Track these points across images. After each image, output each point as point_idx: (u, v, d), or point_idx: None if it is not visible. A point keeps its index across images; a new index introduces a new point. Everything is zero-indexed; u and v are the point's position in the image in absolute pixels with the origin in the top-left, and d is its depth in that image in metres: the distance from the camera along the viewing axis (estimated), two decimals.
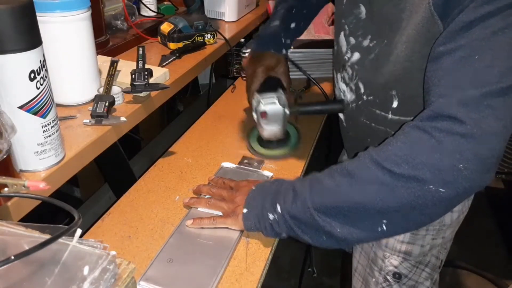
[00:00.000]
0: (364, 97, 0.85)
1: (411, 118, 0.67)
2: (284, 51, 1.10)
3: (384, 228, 0.65)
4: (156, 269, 0.73)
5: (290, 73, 1.11)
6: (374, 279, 0.96)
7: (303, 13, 1.12)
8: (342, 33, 0.87)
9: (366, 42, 0.80)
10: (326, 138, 1.35)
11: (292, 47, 1.16)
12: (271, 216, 0.74)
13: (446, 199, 0.60)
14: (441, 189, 0.59)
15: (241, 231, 0.80)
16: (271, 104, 0.99)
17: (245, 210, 0.77)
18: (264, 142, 1.07)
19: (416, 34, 0.69)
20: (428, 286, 0.96)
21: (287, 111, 1.01)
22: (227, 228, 0.80)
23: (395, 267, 0.92)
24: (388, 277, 0.94)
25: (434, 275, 0.96)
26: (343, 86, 0.91)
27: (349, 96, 0.90)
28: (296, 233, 0.72)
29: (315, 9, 1.17)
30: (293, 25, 1.10)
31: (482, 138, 0.57)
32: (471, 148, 0.57)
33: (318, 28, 1.57)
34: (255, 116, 1.02)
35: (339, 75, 0.92)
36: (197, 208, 0.86)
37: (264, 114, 0.99)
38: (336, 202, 0.67)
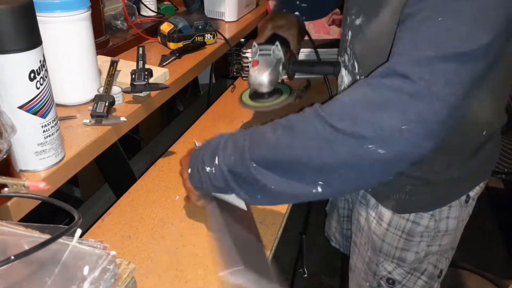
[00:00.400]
0: (358, 76, 0.83)
1: None
2: (297, 13, 1.07)
3: (319, 189, 0.63)
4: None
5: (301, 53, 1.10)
6: (368, 283, 0.95)
7: None
8: (345, 14, 0.86)
9: (358, 21, 0.79)
10: None
11: (311, 18, 1.13)
12: (207, 169, 0.72)
13: (383, 161, 0.57)
14: (379, 150, 0.56)
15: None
16: (265, 56, 0.99)
17: (189, 170, 0.76)
18: (254, 97, 1.05)
19: (400, 6, 0.66)
20: None
21: (280, 67, 1.00)
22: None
23: (389, 272, 0.91)
24: (382, 282, 0.93)
25: (432, 284, 0.94)
26: (342, 70, 0.90)
27: (346, 79, 0.89)
28: (232, 187, 0.70)
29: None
30: None
31: (430, 101, 0.55)
32: (417, 110, 0.55)
33: (318, 28, 1.57)
34: (249, 66, 1.01)
35: (340, 59, 0.92)
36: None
37: (255, 63, 0.99)
38: (275, 154, 0.64)
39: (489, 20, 0.55)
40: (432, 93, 0.55)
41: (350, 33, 0.83)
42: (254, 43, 1.02)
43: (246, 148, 0.67)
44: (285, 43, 1.04)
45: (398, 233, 0.87)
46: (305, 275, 1.62)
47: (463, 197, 0.86)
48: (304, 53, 1.42)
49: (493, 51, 0.56)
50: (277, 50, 0.99)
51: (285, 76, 1.05)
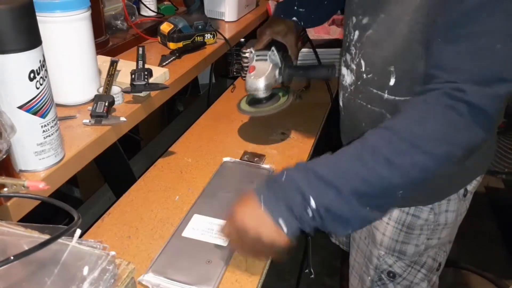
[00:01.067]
0: (364, 75, 0.83)
1: (404, 99, 0.69)
2: (295, 19, 1.09)
3: (399, 196, 0.66)
4: (162, 262, 0.74)
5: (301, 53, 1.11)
6: (369, 277, 0.97)
7: None
8: (349, 14, 0.87)
9: (365, 20, 0.80)
10: (326, 137, 1.35)
11: (310, 23, 1.14)
12: (309, 212, 0.64)
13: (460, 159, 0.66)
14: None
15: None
16: (261, 61, 1.00)
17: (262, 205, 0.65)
18: (252, 103, 1.07)
19: (419, 5, 0.68)
20: (425, 287, 0.95)
21: (276, 72, 1.01)
22: None
23: (390, 266, 0.93)
24: (383, 276, 0.94)
25: (431, 277, 0.96)
26: (343, 70, 0.90)
27: (348, 79, 0.89)
28: (326, 226, 0.65)
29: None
30: None
31: (484, 118, 0.62)
32: (480, 125, 0.62)
33: (318, 28, 1.57)
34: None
35: (341, 60, 0.92)
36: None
37: (252, 68, 1.00)
38: (377, 189, 0.64)
39: None
40: (485, 114, 0.62)
41: (357, 32, 0.83)
42: (252, 49, 1.03)
43: (342, 186, 0.63)
44: (283, 49, 1.05)
45: (398, 227, 0.89)
46: (312, 276, 1.62)
47: (461, 191, 0.88)
48: (303, 53, 1.42)
49: None
50: (273, 55, 1.01)
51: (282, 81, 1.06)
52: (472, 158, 0.83)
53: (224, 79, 1.96)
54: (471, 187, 0.90)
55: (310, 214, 0.63)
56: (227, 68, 1.72)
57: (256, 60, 1.00)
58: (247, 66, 1.22)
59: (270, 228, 0.64)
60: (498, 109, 0.63)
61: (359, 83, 0.86)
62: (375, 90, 0.82)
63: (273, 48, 1.01)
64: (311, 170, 0.65)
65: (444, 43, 0.65)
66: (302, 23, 1.11)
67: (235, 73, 1.62)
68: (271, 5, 1.68)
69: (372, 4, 0.79)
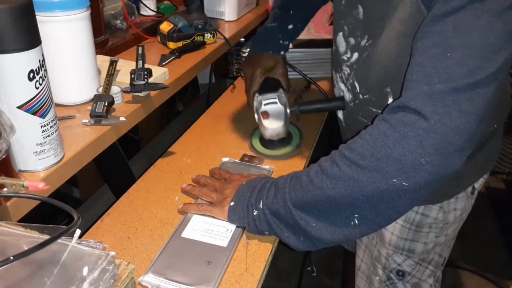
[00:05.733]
0: (360, 96, 0.85)
1: None
2: (282, 52, 1.10)
3: (356, 222, 0.66)
4: (162, 263, 0.73)
5: (289, 73, 1.11)
6: (378, 277, 0.97)
7: (301, 15, 1.13)
8: (341, 34, 0.87)
9: (363, 42, 0.81)
10: (327, 137, 1.35)
11: (289, 48, 1.17)
12: (255, 213, 0.76)
13: (410, 191, 0.61)
14: (404, 183, 0.60)
15: (243, 229, 0.81)
16: (272, 104, 1.00)
17: (232, 203, 0.79)
18: (266, 142, 1.06)
19: (406, 29, 0.70)
20: (431, 283, 0.96)
21: (288, 110, 1.01)
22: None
23: (399, 264, 0.93)
24: (392, 275, 0.94)
25: (437, 272, 0.97)
26: (342, 85, 0.92)
27: (347, 95, 0.91)
28: (275, 231, 0.74)
29: (313, 11, 1.17)
30: (290, 26, 1.11)
31: (445, 133, 0.57)
32: (433, 144, 0.58)
33: (319, 27, 1.56)
34: (256, 117, 1.02)
35: (337, 75, 0.93)
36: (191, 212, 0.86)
37: (265, 114, 1.00)
38: (310, 197, 0.68)
39: (497, 47, 0.58)
40: (446, 125, 0.57)
41: (357, 54, 0.84)
42: (256, 94, 1.03)
43: (286, 191, 0.72)
44: (277, 84, 1.06)
45: (407, 226, 0.90)
46: (314, 274, 1.62)
47: (469, 189, 0.90)
48: (302, 52, 1.42)
49: (504, 70, 0.59)
50: (281, 97, 1.02)
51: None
52: (482, 156, 0.85)
53: (224, 79, 1.96)
54: (478, 184, 0.91)
55: (255, 213, 0.75)
56: (227, 68, 1.72)
57: (266, 105, 1.00)
58: (240, 66, 1.22)
59: (226, 199, 0.80)
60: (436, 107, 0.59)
61: (357, 102, 0.87)
62: (374, 109, 0.83)
63: (280, 90, 1.02)
64: (276, 180, 0.77)
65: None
66: (288, 51, 1.14)
67: (235, 73, 1.62)
68: (271, 4, 1.68)
69: (368, 28, 0.80)
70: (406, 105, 0.60)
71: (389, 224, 0.83)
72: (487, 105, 0.59)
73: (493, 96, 0.59)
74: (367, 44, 0.80)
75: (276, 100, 1.00)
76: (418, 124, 0.59)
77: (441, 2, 0.61)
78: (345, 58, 0.87)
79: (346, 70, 0.87)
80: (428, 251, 0.92)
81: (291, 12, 1.11)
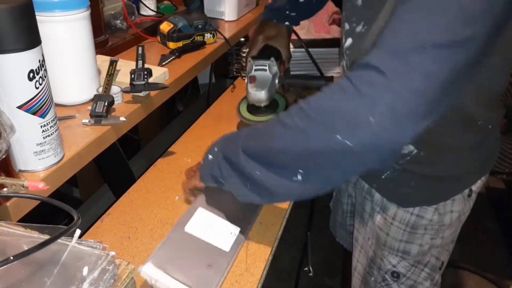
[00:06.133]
0: None
1: None
2: (287, 23, 1.10)
3: (300, 177, 0.63)
4: (163, 255, 0.74)
5: (292, 71, 1.12)
6: (373, 278, 0.96)
7: None
8: (344, 19, 0.87)
9: (359, 28, 0.80)
10: None
11: (299, 23, 1.16)
12: (210, 157, 0.76)
13: (353, 153, 0.57)
14: (347, 141, 0.56)
15: (246, 235, 0.80)
16: (261, 71, 1.02)
17: (202, 162, 0.80)
18: (251, 109, 1.09)
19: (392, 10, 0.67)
20: (428, 286, 0.95)
21: (276, 81, 1.04)
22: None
23: (394, 266, 0.92)
24: (387, 276, 0.94)
25: (434, 276, 0.96)
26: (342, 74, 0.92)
27: None
28: (224, 174, 0.73)
29: None
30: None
31: (402, 93, 0.53)
32: (386, 102, 0.54)
33: (319, 27, 1.57)
34: (246, 80, 1.05)
35: (341, 64, 0.93)
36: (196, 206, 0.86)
37: (252, 79, 1.03)
38: (260, 144, 0.68)
39: (471, 14, 0.53)
40: (404, 85, 0.53)
41: (350, 40, 0.83)
42: (249, 59, 1.04)
43: (241, 137, 0.72)
44: (277, 53, 1.06)
45: (402, 227, 0.89)
46: (310, 274, 1.62)
47: (466, 191, 0.88)
48: (301, 52, 1.42)
49: (476, 46, 0.54)
50: (272, 65, 1.04)
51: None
52: (478, 158, 0.84)
53: (224, 79, 1.95)
54: (476, 187, 0.89)
55: (210, 157, 0.76)
56: (227, 68, 1.72)
57: (256, 70, 1.03)
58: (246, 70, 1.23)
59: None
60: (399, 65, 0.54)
61: None
62: None
63: (272, 58, 1.04)
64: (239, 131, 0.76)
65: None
66: (293, 26, 1.12)
67: (235, 73, 1.62)
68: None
69: (363, 13, 0.79)
70: (368, 63, 0.56)
71: (334, 187, 0.80)
72: (456, 74, 0.54)
73: (464, 66, 0.54)
74: (363, 31, 0.79)
75: (266, 67, 1.02)
76: (376, 80, 0.54)
77: None
78: (343, 45, 0.86)
79: (346, 57, 0.87)
80: (424, 253, 0.91)
81: None
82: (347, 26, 0.84)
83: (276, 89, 1.06)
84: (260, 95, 1.03)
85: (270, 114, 1.09)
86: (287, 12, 1.09)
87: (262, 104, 1.06)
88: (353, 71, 0.59)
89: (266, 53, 1.06)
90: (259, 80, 1.02)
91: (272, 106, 1.09)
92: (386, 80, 0.54)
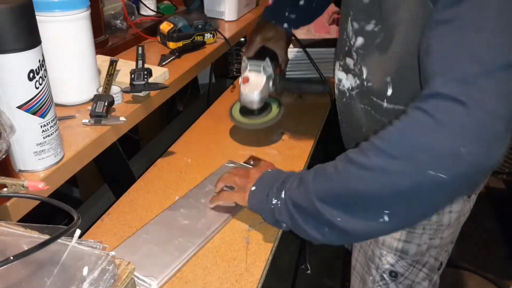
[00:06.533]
0: (365, 83, 0.83)
1: (404, 108, 0.64)
2: (286, 25, 1.09)
3: (386, 218, 0.61)
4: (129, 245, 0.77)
5: (291, 73, 1.11)
6: (371, 277, 0.96)
7: None
8: (348, 18, 0.86)
9: (369, 27, 0.78)
10: (327, 135, 1.35)
11: (298, 27, 1.15)
12: (274, 201, 0.74)
13: (448, 184, 0.56)
14: (441, 174, 0.55)
15: (224, 222, 0.82)
16: (255, 72, 1.00)
17: (253, 188, 0.78)
18: (244, 112, 1.07)
19: (411, 15, 0.67)
20: (426, 287, 0.95)
21: (270, 83, 1.02)
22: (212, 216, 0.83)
23: (392, 265, 0.92)
24: (385, 276, 0.94)
25: (432, 276, 0.96)
26: (341, 74, 0.90)
27: (347, 84, 0.88)
28: (297, 221, 0.70)
29: None
30: (302, 2, 1.09)
31: (485, 120, 0.53)
32: (473, 130, 0.53)
33: (319, 27, 1.56)
34: (240, 80, 1.03)
35: (338, 63, 0.91)
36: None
37: (245, 79, 1.01)
38: (336, 189, 0.65)
39: None
40: (485, 111, 0.53)
41: (361, 39, 0.82)
42: (244, 58, 1.03)
43: (310, 182, 0.69)
44: (273, 56, 1.05)
45: None
46: (308, 271, 1.62)
47: None
48: (301, 52, 1.42)
49: None
50: (267, 67, 1.01)
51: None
52: None
53: (224, 79, 1.95)
54: (476, 187, 0.89)
55: (274, 202, 0.74)
56: (227, 68, 1.72)
57: (250, 71, 1.01)
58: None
59: (248, 183, 0.81)
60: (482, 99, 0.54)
61: (359, 90, 0.85)
62: (375, 99, 0.81)
63: (267, 59, 1.02)
64: (301, 173, 0.75)
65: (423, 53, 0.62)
66: (292, 29, 1.11)
67: (235, 73, 1.62)
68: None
69: (378, 13, 0.77)
70: (439, 92, 0.55)
71: (423, 220, 0.78)
72: None
73: None
74: (376, 29, 0.77)
75: (260, 69, 1.00)
76: (455, 110, 0.53)
77: None
78: (352, 43, 0.85)
79: (354, 56, 0.85)
80: (422, 253, 0.90)
81: None
82: (355, 25, 0.82)
83: (270, 91, 1.03)
84: (252, 97, 1.00)
85: (263, 118, 1.06)
86: (287, 13, 1.09)
87: (255, 107, 1.03)
88: (423, 102, 0.57)
89: (262, 54, 1.05)
90: (252, 81, 1.00)
91: (265, 110, 1.06)
92: (466, 109, 0.53)
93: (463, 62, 0.55)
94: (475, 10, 0.55)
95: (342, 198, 0.65)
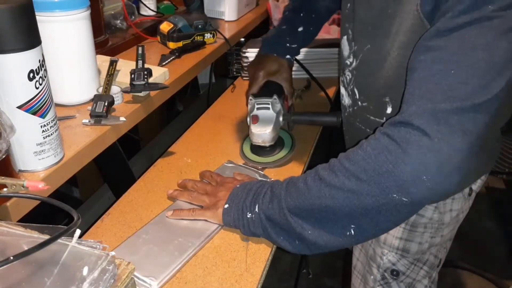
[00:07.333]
0: (359, 103, 0.86)
1: None
2: (288, 56, 1.08)
3: (353, 232, 0.67)
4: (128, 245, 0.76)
5: (292, 73, 1.10)
6: (372, 276, 0.97)
7: (312, 17, 1.10)
8: (345, 37, 0.87)
9: (364, 49, 0.81)
10: (326, 140, 1.35)
11: (299, 53, 1.15)
12: (248, 215, 0.76)
13: (409, 206, 0.62)
14: (404, 198, 0.60)
15: (221, 226, 0.82)
16: (264, 109, 0.98)
17: (226, 206, 0.79)
18: (256, 149, 1.03)
19: (407, 41, 0.70)
20: (426, 284, 0.96)
21: (280, 119, 0.99)
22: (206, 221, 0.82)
23: (393, 264, 0.93)
24: (386, 274, 0.94)
25: (432, 273, 0.96)
26: (342, 89, 0.92)
27: (347, 100, 0.91)
28: (271, 235, 0.74)
29: (326, 14, 1.14)
30: (300, 28, 1.09)
31: (448, 153, 0.58)
32: (436, 162, 0.58)
33: None
34: (248, 120, 1.00)
35: (341, 79, 0.93)
36: (181, 200, 0.87)
37: (255, 119, 0.97)
38: (307, 205, 0.69)
39: (502, 67, 0.58)
40: (449, 145, 0.58)
41: (355, 61, 0.84)
42: (250, 97, 1.00)
43: (282, 197, 0.72)
44: (278, 89, 1.03)
45: (402, 225, 0.89)
46: (310, 276, 1.62)
47: (466, 190, 0.89)
48: (303, 52, 1.42)
49: (506, 90, 0.59)
50: (276, 103, 0.98)
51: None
52: (479, 158, 0.84)
53: (224, 79, 1.95)
54: (476, 186, 0.90)
55: (249, 216, 0.76)
56: (227, 68, 1.72)
57: (258, 109, 0.97)
58: (247, 67, 1.20)
59: (220, 200, 0.81)
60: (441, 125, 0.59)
61: (355, 108, 0.87)
62: (372, 117, 0.83)
63: (275, 96, 0.98)
64: (272, 185, 0.77)
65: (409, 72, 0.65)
66: (293, 59, 1.11)
67: (235, 73, 1.62)
68: (271, 5, 1.68)
69: (370, 35, 0.79)
70: (410, 122, 0.60)
71: (384, 233, 0.84)
72: (489, 124, 0.59)
73: (495, 113, 0.59)
74: (367, 51, 0.80)
75: (269, 106, 0.97)
76: (422, 142, 0.59)
77: (447, 17, 0.60)
78: (348, 63, 0.86)
79: (348, 75, 0.87)
80: (423, 252, 0.91)
81: (302, 14, 1.09)
82: (354, 45, 0.83)
83: (281, 126, 1.00)
84: (264, 136, 0.97)
85: (277, 154, 1.02)
86: (288, 44, 1.08)
87: (267, 145, 1.00)
88: (393, 127, 0.62)
89: (268, 89, 1.01)
90: (262, 119, 0.96)
91: (278, 145, 1.03)
92: (432, 142, 0.58)
93: (439, 95, 0.59)
94: (462, 46, 0.59)
95: (313, 213, 0.69)
